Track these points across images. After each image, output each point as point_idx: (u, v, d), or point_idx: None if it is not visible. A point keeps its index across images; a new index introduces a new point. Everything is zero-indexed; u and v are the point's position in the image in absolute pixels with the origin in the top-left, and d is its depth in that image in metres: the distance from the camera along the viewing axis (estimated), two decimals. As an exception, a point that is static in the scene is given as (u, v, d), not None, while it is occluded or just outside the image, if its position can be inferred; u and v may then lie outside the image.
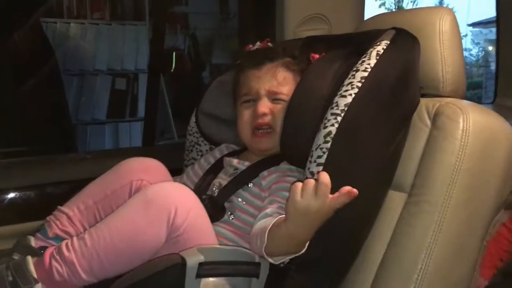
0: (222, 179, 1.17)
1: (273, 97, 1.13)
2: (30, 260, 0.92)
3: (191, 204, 0.94)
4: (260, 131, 1.14)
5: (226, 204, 1.10)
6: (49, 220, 1.06)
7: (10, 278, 0.89)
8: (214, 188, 1.15)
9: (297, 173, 1.08)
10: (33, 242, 1.01)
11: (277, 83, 1.13)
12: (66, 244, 0.92)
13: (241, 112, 1.18)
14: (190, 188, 1.25)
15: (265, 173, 1.11)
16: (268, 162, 1.13)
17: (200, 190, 1.17)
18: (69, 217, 1.06)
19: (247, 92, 1.17)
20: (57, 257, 0.91)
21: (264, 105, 1.13)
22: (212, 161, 1.26)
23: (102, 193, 1.08)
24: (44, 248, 0.99)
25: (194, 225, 0.93)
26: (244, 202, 1.10)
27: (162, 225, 0.90)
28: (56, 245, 0.94)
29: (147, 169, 1.12)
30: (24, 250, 0.97)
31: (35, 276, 0.89)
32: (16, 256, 0.97)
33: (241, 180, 1.12)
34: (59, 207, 1.08)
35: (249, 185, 1.11)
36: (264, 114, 1.12)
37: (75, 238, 0.93)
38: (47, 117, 2.34)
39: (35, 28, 2.34)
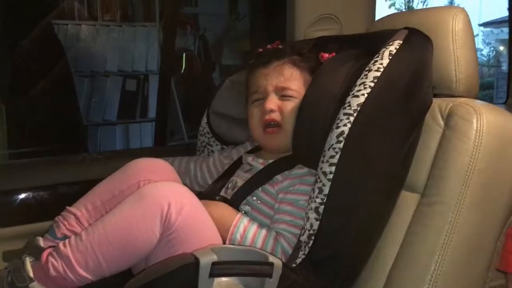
0: (238, 177, 1.18)
1: (281, 93, 1.14)
2: (27, 260, 0.94)
3: (186, 200, 0.95)
4: (269, 128, 1.14)
5: (240, 203, 1.11)
6: (57, 221, 1.07)
7: (9, 279, 0.92)
8: (229, 186, 1.17)
9: (309, 177, 1.08)
10: (42, 242, 1.02)
11: (284, 79, 1.14)
12: (64, 242, 0.94)
13: (251, 111, 1.19)
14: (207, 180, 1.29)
15: (279, 177, 1.12)
16: (282, 164, 1.13)
17: (214, 190, 1.19)
18: (77, 217, 1.07)
19: (256, 90, 1.18)
20: (54, 253, 0.92)
21: (272, 102, 1.14)
22: (235, 156, 1.28)
23: (110, 194, 1.10)
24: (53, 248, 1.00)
25: (189, 221, 0.94)
26: (259, 201, 1.11)
27: (155, 219, 0.92)
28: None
29: (154, 169, 1.13)
30: (33, 250, 0.99)
31: (31, 275, 0.91)
32: (29, 258, 0.98)
33: (255, 183, 1.13)
34: (67, 207, 1.10)
35: (264, 185, 1.12)
36: (272, 110, 1.13)
37: (72, 236, 0.95)
38: (59, 118, 2.35)
39: (47, 30, 2.35)
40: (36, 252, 0.98)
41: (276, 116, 1.13)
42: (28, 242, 1.02)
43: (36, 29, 2.16)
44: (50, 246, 0.99)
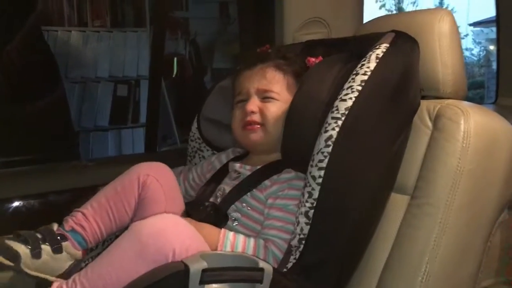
0: (226, 185, 1.18)
1: (263, 95, 1.16)
2: None
3: (189, 240, 0.89)
4: (249, 126, 1.15)
5: (230, 210, 1.11)
6: (66, 218, 1.09)
7: None
8: (218, 194, 1.16)
9: (297, 182, 1.08)
10: (56, 227, 1.05)
11: (266, 81, 1.16)
12: None
13: (234, 113, 1.20)
14: (190, 192, 1.28)
15: (267, 182, 1.12)
16: (270, 169, 1.13)
17: (203, 197, 1.18)
18: (83, 214, 1.09)
19: (239, 92, 1.20)
20: None
21: (253, 103, 1.15)
22: (218, 165, 1.27)
23: (113, 190, 1.11)
24: (62, 236, 1.04)
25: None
26: (248, 207, 1.11)
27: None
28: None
29: (153, 167, 1.14)
30: (45, 233, 1.02)
31: None
32: (38, 234, 1.01)
33: (243, 189, 1.13)
34: (74, 209, 1.11)
35: (252, 190, 1.12)
36: (252, 112, 1.15)
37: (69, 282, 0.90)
38: (50, 125, 2.34)
39: (37, 36, 2.34)
40: (47, 235, 1.02)
41: (256, 117, 1.15)
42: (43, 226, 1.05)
43: (23, 34, 2.14)
44: (60, 234, 1.04)
